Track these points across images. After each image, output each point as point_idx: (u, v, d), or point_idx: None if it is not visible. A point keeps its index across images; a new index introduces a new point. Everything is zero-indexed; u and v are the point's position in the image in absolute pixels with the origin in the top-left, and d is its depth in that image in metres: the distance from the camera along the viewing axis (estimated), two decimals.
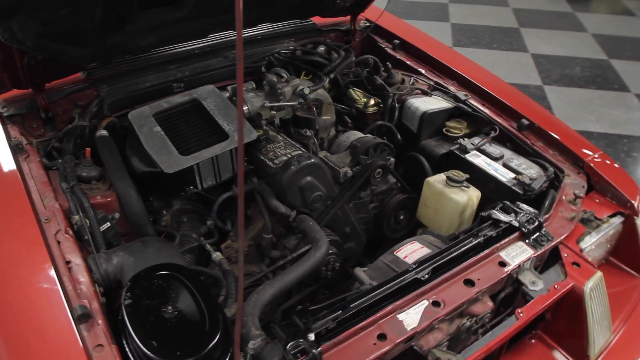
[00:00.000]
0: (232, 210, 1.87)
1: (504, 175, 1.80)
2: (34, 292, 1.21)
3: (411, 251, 1.56)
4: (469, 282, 1.40)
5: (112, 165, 1.65)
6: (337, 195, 1.81)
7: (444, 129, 2.09)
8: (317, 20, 2.47)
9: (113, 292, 1.38)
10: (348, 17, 2.48)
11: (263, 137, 1.84)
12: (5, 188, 1.48)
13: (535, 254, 1.50)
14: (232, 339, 1.27)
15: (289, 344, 1.16)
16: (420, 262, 1.42)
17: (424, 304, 1.33)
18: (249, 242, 1.78)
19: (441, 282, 1.38)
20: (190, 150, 1.67)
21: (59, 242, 1.33)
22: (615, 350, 1.58)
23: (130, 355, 1.17)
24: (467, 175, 1.78)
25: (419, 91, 2.20)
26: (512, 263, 1.47)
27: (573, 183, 1.77)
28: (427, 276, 1.37)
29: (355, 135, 2.00)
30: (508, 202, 1.61)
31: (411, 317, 1.29)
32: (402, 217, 2.02)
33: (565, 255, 1.56)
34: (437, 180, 1.81)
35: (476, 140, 1.96)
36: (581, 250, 1.59)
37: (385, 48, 2.46)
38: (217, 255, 1.63)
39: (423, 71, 2.31)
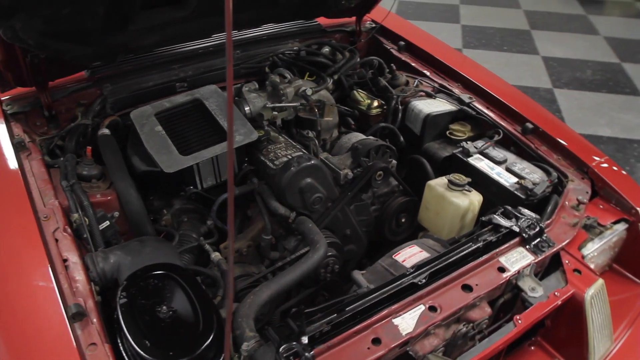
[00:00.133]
0: None
1: (507, 180, 1.78)
2: (30, 290, 1.21)
3: (410, 255, 1.55)
4: (467, 288, 1.38)
5: (113, 164, 1.66)
6: (338, 197, 1.80)
7: (447, 132, 2.07)
8: (322, 21, 2.46)
9: (110, 291, 1.38)
10: (353, 18, 2.46)
11: (264, 138, 1.83)
12: (6, 185, 1.49)
13: (536, 260, 1.48)
14: (230, 340, 1.27)
15: (282, 347, 1.15)
16: (418, 267, 1.40)
17: (420, 308, 1.32)
18: (249, 242, 1.78)
19: (438, 287, 1.37)
20: (190, 150, 1.68)
21: (57, 240, 1.34)
22: (616, 359, 1.55)
23: (124, 355, 1.17)
24: (469, 179, 1.76)
25: (423, 93, 2.18)
26: (512, 269, 1.45)
27: (577, 188, 1.75)
28: (424, 281, 1.36)
29: (356, 137, 1.99)
30: (509, 207, 1.59)
31: (407, 321, 1.28)
32: (403, 220, 2.00)
33: (567, 261, 1.54)
34: (438, 183, 1.79)
35: (479, 143, 1.94)
36: (583, 257, 1.56)
37: (391, 49, 2.45)
38: (215, 256, 1.63)
39: (428, 73, 2.30)
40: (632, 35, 6.12)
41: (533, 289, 1.45)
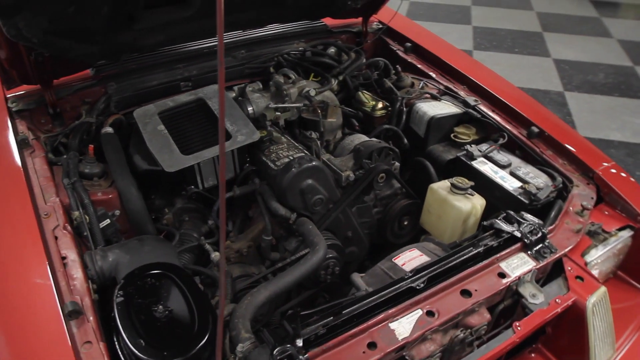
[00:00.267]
0: (233, 211, 1.87)
1: (510, 184, 1.76)
2: (28, 287, 1.22)
3: (410, 258, 1.54)
4: (466, 293, 1.37)
5: (115, 163, 1.66)
6: (339, 199, 1.80)
7: (452, 135, 2.05)
8: (328, 21, 2.45)
9: (108, 289, 1.38)
10: (360, 19, 2.45)
11: (266, 138, 1.83)
12: (8, 182, 1.50)
13: (537, 266, 1.46)
14: (222, 341, 1.27)
15: (276, 349, 1.15)
16: (417, 271, 1.39)
17: (418, 313, 1.30)
18: (249, 243, 1.78)
19: (437, 292, 1.36)
20: (192, 149, 1.68)
21: (56, 238, 1.35)
22: None
23: (120, 353, 1.18)
24: (472, 183, 1.74)
25: (428, 95, 2.17)
26: (512, 275, 1.43)
27: (582, 194, 1.72)
28: (422, 285, 1.35)
29: (359, 138, 1.98)
30: (511, 212, 1.57)
31: (403, 326, 1.27)
32: (406, 223, 1.99)
33: (569, 268, 1.52)
34: (441, 186, 1.78)
35: (484, 147, 1.92)
36: (586, 264, 1.54)
37: (397, 51, 2.43)
38: (215, 255, 1.63)
39: (434, 75, 2.28)
40: None
41: (534, 296, 1.43)
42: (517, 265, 1.46)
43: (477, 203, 1.72)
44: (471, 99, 2.09)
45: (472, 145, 1.92)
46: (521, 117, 1.98)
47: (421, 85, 2.24)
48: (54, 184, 1.53)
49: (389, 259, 1.57)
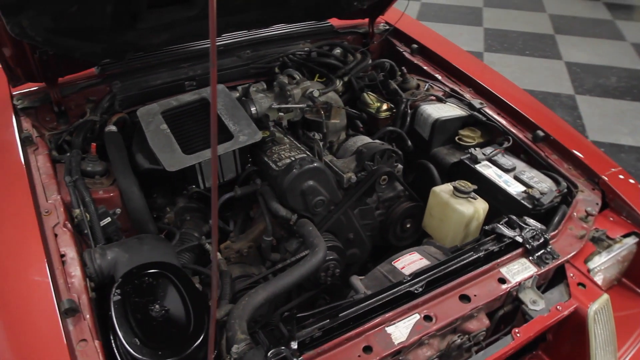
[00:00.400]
0: (235, 211, 1.87)
1: (514, 188, 1.74)
2: (25, 284, 1.23)
3: (409, 262, 1.53)
4: (465, 298, 1.36)
5: (117, 161, 1.67)
6: (341, 201, 1.79)
7: (456, 138, 2.03)
8: (335, 22, 2.44)
9: (107, 287, 1.39)
10: (366, 20, 2.44)
11: (269, 139, 1.83)
12: (10, 179, 1.51)
13: (538, 272, 1.44)
14: (217, 341, 1.27)
15: (270, 351, 1.14)
16: (416, 274, 1.38)
17: (415, 317, 1.29)
18: (250, 243, 1.78)
19: (435, 296, 1.34)
20: (194, 149, 1.68)
21: (56, 235, 1.36)
22: None
23: (116, 352, 1.18)
24: (475, 187, 1.72)
25: (433, 97, 2.15)
26: (513, 280, 1.41)
27: (586, 199, 1.70)
28: (421, 289, 1.34)
29: (362, 140, 1.97)
30: (514, 217, 1.55)
31: (400, 330, 1.26)
32: (408, 226, 1.97)
33: (571, 275, 1.50)
34: (443, 189, 1.76)
35: (488, 150, 1.90)
36: (589, 271, 1.52)
37: (403, 52, 2.42)
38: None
39: (439, 77, 2.26)
40: None
41: (534, 302, 1.41)
42: (518, 271, 1.44)
43: (479, 207, 1.70)
44: (476, 102, 2.07)
45: (476, 149, 1.90)
46: (527, 120, 1.96)
47: (426, 87, 2.23)
48: (56, 181, 1.54)
49: (388, 262, 1.56)
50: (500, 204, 1.75)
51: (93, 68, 1.93)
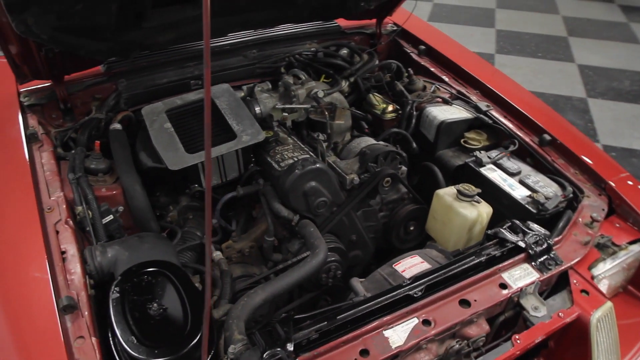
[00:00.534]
0: (237, 210, 1.87)
1: (519, 192, 1.72)
2: (25, 280, 1.24)
3: (410, 265, 1.52)
4: (465, 303, 1.34)
5: (121, 159, 1.68)
6: (344, 202, 1.78)
7: (462, 140, 2.02)
8: (342, 22, 2.43)
9: (107, 285, 1.40)
10: (374, 20, 2.43)
11: (272, 139, 1.82)
12: (13, 176, 1.52)
13: (541, 278, 1.42)
14: (214, 341, 1.27)
15: (266, 353, 1.14)
16: (416, 278, 1.37)
17: (414, 321, 1.28)
18: (251, 243, 1.77)
19: (435, 300, 1.33)
20: (197, 148, 1.68)
21: (57, 232, 1.36)
22: None
23: (113, 349, 1.19)
24: (479, 190, 1.71)
25: (439, 99, 2.13)
26: (514, 286, 1.40)
27: (592, 205, 1.68)
28: (420, 293, 1.33)
29: (366, 141, 1.96)
30: (517, 221, 1.54)
31: (398, 334, 1.25)
32: (412, 228, 1.96)
33: (575, 281, 1.48)
34: (447, 192, 1.75)
35: (493, 153, 1.88)
36: (592, 278, 1.49)
37: (411, 53, 2.40)
38: (216, 255, 1.63)
39: (446, 79, 2.24)
40: None
41: (536, 308, 1.39)
42: (520, 277, 1.43)
43: (483, 211, 1.69)
44: (483, 104, 2.05)
45: (482, 152, 1.88)
46: (533, 124, 1.94)
47: (433, 89, 2.21)
48: (59, 178, 1.55)
49: (389, 264, 1.55)
50: (505, 208, 1.73)
51: (99, 66, 1.94)
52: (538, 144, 1.89)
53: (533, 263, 1.46)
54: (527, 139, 1.91)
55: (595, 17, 6.53)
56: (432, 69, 2.31)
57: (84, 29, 1.56)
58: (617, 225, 1.66)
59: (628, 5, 6.87)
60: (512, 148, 1.89)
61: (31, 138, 1.66)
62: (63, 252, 1.31)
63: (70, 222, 1.40)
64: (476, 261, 1.43)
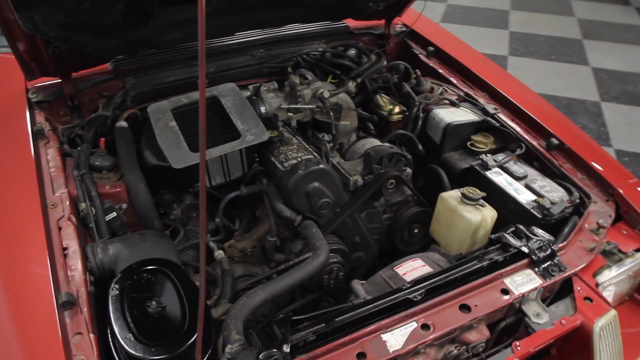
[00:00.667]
0: (241, 210, 1.87)
1: (524, 197, 1.71)
2: (26, 275, 1.25)
3: (411, 268, 1.51)
4: (465, 308, 1.33)
5: (125, 157, 1.68)
6: (347, 204, 1.77)
7: (468, 143, 2.00)
8: (351, 22, 2.42)
9: (108, 282, 1.40)
10: (383, 21, 2.42)
11: (277, 139, 1.82)
12: (18, 172, 1.53)
13: (544, 285, 1.40)
14: (211, 340, 1.27)
15: (262, 354, 1.14)
16: (416, 282, 1.36)
17: (412, 325, 1.27)
18: (254, 243, 1.77)
19: (434, 305, 1.32)
20: None
21: (60, 228, 1.37)
22: None
23: (112, 346, 1.19)
24: (484, 194, 1.69)
25: (447, 101, 2.12)
26: (516, 292, 1.38)
27: (599, 211, 1.65)
28: (420, 297, 1.32)
29: (371, 143, 1.95)
30: (521, 226, 1.52)
31: (396, 338, 1.24)
32: (416, 231, 1.95)
33: (578, 288, 1.45)
34: (451, 195, 1.73)
35: (500, 157, 1.87)
36: (597, 285, 1.47)
37: (419, 55, 2.39)
38: (218, 254, 1.63)
39: (454, 81, 2.22)
40: None
41: (538, 315, 1.38)
42: (522, 282, 1.41)
43: (487, 215, 1.67)
44: (490, 107, 2.03)
45: (488, 155, 1.86)
46: (541, 127, 1.91)
47: (440, 90, 2.19)
48: (64, 175, 1.56)
49: (390, 267, 1.55)
50: (510, 212, 1.72)
51: (107, 64, 1.95)
52: (545, 148, 1.87)
53: (536, 269, 1.44)
54: (534, 143, 1.89)
55: (611, 19, 6.44)
56: (440, 71, 2.29)
57: (91, 27, 1.57)
58: (624, 232, 1.64)
59: None
60: (519, 152, 1.87)
61: (38, 134, 1.67)
62: (65, 249, 1.32)
63: (73, 219, 1.41)
64: (478, 266, 1.41)
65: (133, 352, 1.14)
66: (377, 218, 1.89)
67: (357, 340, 1.23)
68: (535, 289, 1.39)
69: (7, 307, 1.19)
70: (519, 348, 1.31)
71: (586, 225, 1.59)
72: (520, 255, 1.46)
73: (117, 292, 1.25)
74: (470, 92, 2.14)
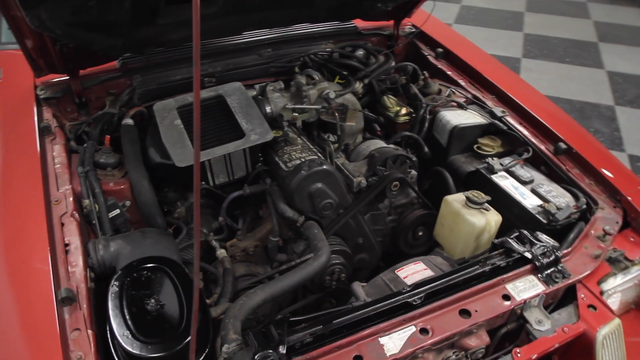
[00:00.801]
0: (244, 209, 1.87)
1: (530, 202, 1.68)
2: (27, 271, 1.26)
3: (413, 272, 1.49)
4: (465, 313, 1.32)
5: (130, 154, 1.69)
6: (350, 205, 1.76)
7: (475, 146, 1.98)
8: (359, 23, 2.41)
9: (108, 279, 1.41)
10: (392, 22, 2.40)
11: (281, 139, 1.82)
12: (23, 167, 1.55)
13: (546, 291, 1.38)
14: (209, 339, 1.27)
15: (258, 354, 1.14)
16: (416, 285, 1.35)
17: (411, 329, 1.26)
18: (256, 242, 1.77)
19: (434, 309, 1.31)
20: (206, 146, 1.69)
21: (62, 224, 1.39)
22: None
23: (110, 343, 1.20)
24: (488, 198, 1.67)
25: (454, 104, 2.10)
26: (518, 298, 1.36)
27: (606, 217, 1.62)
28: (419, 301, 1.30)
29: (376, 144, 1.94)
30: (525, 231, 1.50)
31: (394, 342, 1.23)
32: (420, 234, 1.93)
33: (582, 296, 1.43)
34: (455, 199, 1.72)
35: (506, 160, 1.84)
36: (601, 293, 1.45)
37: (428, 56, 2.37)
38: (220, 253, 1.64)
39: (462, 83, 2.20)
40: None
41: (539, 322, 1.36)
42: (525, 288, 1.39)
43: (492, 219, 1.65)
44: (498, 110, 2.00)
45: (494, 158, 1.84)
46: (549, 131, 1.89)
47: (447, 92, 2.17)
48: (69, 171, 1.58)
49: (392, 270, 1.54)
50: (515, 217, 1.69)
51: (115, 61, 1.97)
52: (553, 152, 1.84)
53: (539, 275, 1.42)
54: (542, 147, 1.86)
55: (629, 22, 6.34)
56: (448, 72, 2.27)
57: (97, 25, 1.58)
58: (632, 239, 1.61)
59: None
60: (525, 155, 1.84)
61: (44, 131, 1.68)
62: (67, 245, 1.33)
63: (76, 215, 1.42)
64: (480, 270, 1.40)
65: (130, 349, 1.14)
66: (381, 220, 1.88)
67: (354, 343, 1.22)
68: (538, 295, 1.37)
69: (8, 301, 1.20)
70: (519, 355, 1.29)
71: (592, 232, 1.57)
72: (523, 260, 1.44)
73: (117, 289, 1.26)
74: (478, 95, 2.12)
